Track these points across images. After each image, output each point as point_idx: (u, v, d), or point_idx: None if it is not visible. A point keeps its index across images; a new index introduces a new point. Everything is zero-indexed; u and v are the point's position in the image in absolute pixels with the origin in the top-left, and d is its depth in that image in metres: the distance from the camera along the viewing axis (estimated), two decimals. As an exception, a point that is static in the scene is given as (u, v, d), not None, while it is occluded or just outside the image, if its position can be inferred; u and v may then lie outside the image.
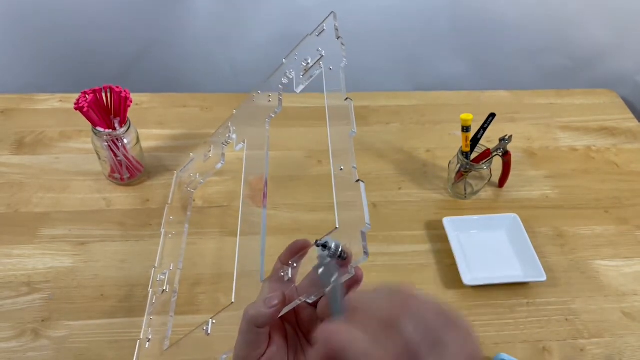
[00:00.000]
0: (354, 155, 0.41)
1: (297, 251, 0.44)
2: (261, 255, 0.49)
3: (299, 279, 0.42)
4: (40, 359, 0.64)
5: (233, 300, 0.48)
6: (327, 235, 0.39)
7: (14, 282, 0.71)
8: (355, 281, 0.39)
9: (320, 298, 0.40)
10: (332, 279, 0.36)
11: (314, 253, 0.39)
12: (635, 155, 0.97)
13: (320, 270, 0.37)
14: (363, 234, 0.36)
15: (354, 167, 0.40)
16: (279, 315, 0.39)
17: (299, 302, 0.39)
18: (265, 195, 0.53)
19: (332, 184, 0.41)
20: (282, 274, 0.43)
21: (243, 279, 0.49)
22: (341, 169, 0.41)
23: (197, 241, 0.78)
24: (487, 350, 0.68)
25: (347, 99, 0.45)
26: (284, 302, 0.39)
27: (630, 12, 1.05)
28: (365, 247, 0.35)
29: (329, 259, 0.37)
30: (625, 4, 1.04)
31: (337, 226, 0.39)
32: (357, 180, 0.39)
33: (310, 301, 0.39)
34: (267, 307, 0.38)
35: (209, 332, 0.49)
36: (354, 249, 0.36)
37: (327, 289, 0.36)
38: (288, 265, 0.43)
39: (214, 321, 0.49)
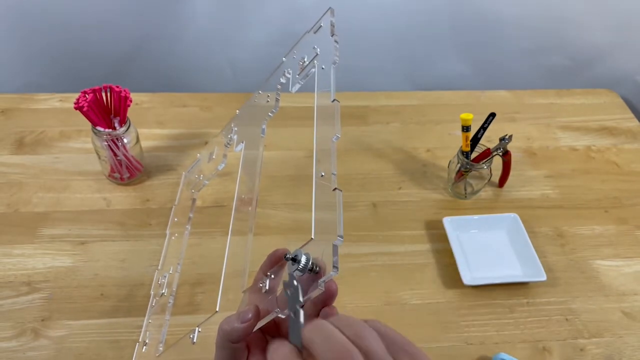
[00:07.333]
0: (336, 161, 0.39)
1: (276, 261, 0.43)
2: (245, 265, 0.47)
3: (280, 289, 0.41)
4: (40, 359, 0.64)
5: (217, 310, 0.47)
6: (302, 246, 0.37)
7: (14, 282, 0.71)
8: (328, 296, 0.37)
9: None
10: (297, 303, 0.35)
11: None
12: (636, 155, 0.97)
13: (288, 293, 0.35)
14: (335, 247, 0.34)
15: (333, 173, 0.38)
16: (254, 329, 0.38)
17: (274, 316, 0.38)
18: (255, 202, 0.52)
19: (313, 190, 0.39)
20: (261, 285, 0.42)
21: (230, 282, 0.48)
22: (322, 175, 0.39)
23: (199, 241, 0.78)
24: (487, 350, 0.68)
25: (334, 100, 0.42)
26: (258, 316, 0.38)
27: (630, 12, 1.05)
28: (335, 262, 0.33)
29: (300, 273, 0.36)
30: (625, 4, 1.04)
31: (313, 237, 0.37)
32: (335, 189, 0.37)
33: (283, 315, 0.37)
34: (241, 322, 0.37)
35: (195, 340, 0.48)
36: (329, 262, 0.34)
37: (288, 316, 0.35)
38: (267, 275, 0.42)
39: (200, 330, 0.48)
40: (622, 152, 0.97)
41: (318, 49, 0.51)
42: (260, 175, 0.54)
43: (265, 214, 0.82)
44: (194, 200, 0.78)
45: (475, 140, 0.83)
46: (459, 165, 0.84)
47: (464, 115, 0.80)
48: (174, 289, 0.69)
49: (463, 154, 0.83)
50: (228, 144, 0.69)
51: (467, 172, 0.83)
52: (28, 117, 0.95)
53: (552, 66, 1.14)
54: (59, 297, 0.70)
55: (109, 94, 0.77)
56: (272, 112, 0.58)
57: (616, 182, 0.91)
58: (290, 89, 0.55)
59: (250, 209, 0.52)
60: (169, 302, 0.67)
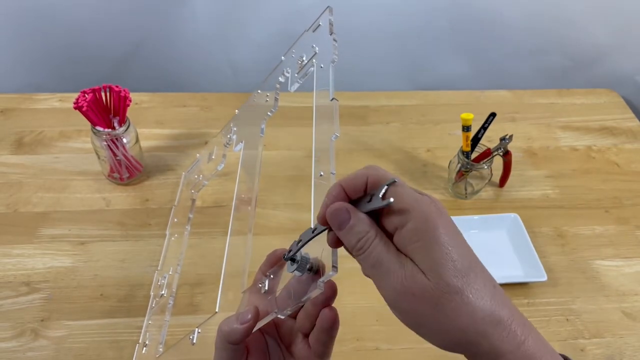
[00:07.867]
0: (334, 160, 0.39)
1: (275, 261, 0.43)
2: (245, 265, 0.47)
3: (280, 289, 0.41)
4: (39, 359, 0.64)
5: (217, 310, 0.47)
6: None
7: (14, 282, 0.71)
8: (328, 296, 0.37)
9: (300, 309, 0.39)
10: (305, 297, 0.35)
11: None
12: (636, 155, 0.97)
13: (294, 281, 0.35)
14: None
15: (332, 173, 0.38)
16: (254, 330, 0.38)
17: (273, 316, 0.38)
18: (255, 202, 0.52)
19: (312, 190, 0.39)
20: (260, 285, 0.42)
21: (230, 282, 0.48)
22: (321, 175, 0.39)
23: (198, 242, 0.78)
24: (487, 350, 0.68)
25: (333, 99, 0.42)
26: (257, 317, 0.38)
27: (631, 12, 1.05)
28: (334, 262, 0.33)
29: (299, 273, 0.36)
30: (625, 4, 1.04)
31: None
32: None
33: (282, 316, 0.37)
34: (240, 323, 0.37)
35: (194, 341, 0.48)
36: (328, 262, 0.34)
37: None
38: (266, 276, 0.42)
39: (200, 330, 0.48)
40: (623, 152, 0.97)
41: (317, 48, 0.51)
42: (260, 175, 0.54)
43: (265, 214, 0.82)
44: (193, 200, 0.78)
45: (475, 140, 0.83)
46: (459, 165, 0.83)
47: (464, 115, 0.80)
48: (174, 290, 0.68)
49: (463, 154, 0.83)
50: (227, 143, 0.69)
51: (467, 172, 0.83)
52: (28, 117, 0.95)
53: (552, 66, 1.14)
54: (59, 297, 0.70)
55: (108, 94, 0.77)
56: (271, 111, 0.57)
57: (616, 182, 0.91)
58: (289, 88, 0.55)
59: (249, 208, 0.52)
60: (169, 303, 0.67)
